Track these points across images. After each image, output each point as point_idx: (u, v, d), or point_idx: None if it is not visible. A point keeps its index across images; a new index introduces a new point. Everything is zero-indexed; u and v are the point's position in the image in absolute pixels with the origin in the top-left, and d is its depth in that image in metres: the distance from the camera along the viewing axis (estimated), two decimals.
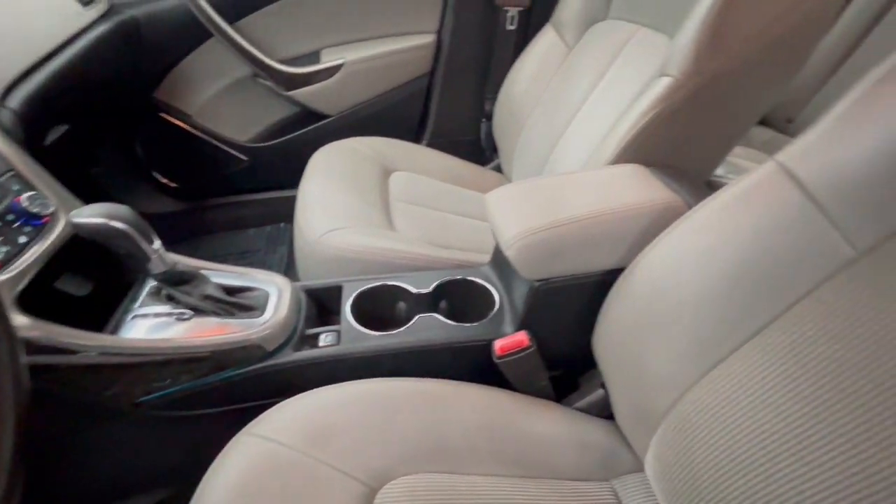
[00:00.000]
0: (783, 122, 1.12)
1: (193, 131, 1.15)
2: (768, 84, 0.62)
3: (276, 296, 0.60)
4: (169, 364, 0.52)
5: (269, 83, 1.12)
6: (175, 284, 0.55)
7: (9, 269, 0.46)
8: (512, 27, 1.06)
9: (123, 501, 0.64)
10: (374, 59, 1.13)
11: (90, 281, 0.57)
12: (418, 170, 1.02)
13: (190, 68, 1.09)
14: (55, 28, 0.78)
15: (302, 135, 1.19)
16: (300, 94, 1.13)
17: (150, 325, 0.54)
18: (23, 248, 0.47)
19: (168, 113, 1.12)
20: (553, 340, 0.57)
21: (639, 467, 0.51)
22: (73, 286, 0.55)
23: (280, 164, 1.21)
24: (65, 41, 0.77)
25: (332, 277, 0.70)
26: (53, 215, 0.51)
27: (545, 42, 0.95)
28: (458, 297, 0.66)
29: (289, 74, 1.10)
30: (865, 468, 0.30)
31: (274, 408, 0.50)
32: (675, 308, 0.45)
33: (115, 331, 0.53)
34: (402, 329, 0.59)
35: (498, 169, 1.15)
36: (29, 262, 0.47)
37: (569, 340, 0.57)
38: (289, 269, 1.17)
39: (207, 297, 0.56)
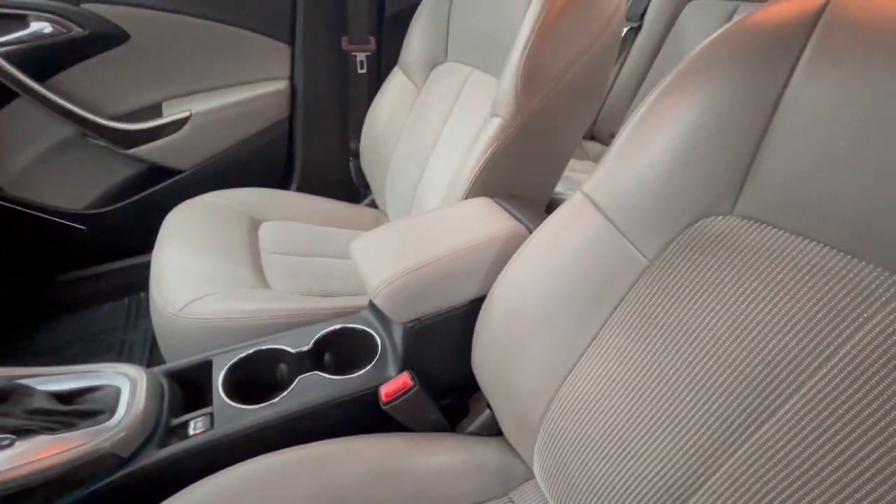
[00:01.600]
0: (608, 137, 1.31)
1: (8, 205, 0.98)
2: (579, 112, 0.73)
3: (129, 389, 0.53)
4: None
5: (101, 142, 1.00)
6: None
7: None
8: (362, 71, 1.09)
9: None
10: (224, 108, 1.08)
11: None
12: (290, 217, 0.99)
13: None
14: None
15: (152, 194, 1.08)
16: (143, 151, 1.04)
17: None
18: None
19: None
20: (436, 373, 0.59)
21: (530, 475, 0.55)
22: None
23: (129, 229, 1.08)
24: None
25: (200, 353, 0.64)
26: None
27: (396, 83, 1.00)
28: (342, 348, 0.66)
29: (125, 131, 1.00)
30: (681, 437, 0.36)
31: None
32: (529, 326, 0.50)
33: None
34: (282, 395, 0.57)
35: (373, 204, 1.16)
36: None
37: (451, 370, 0.60)
38: (157, 343, 1.04)
39: (35, 412, 0.48)
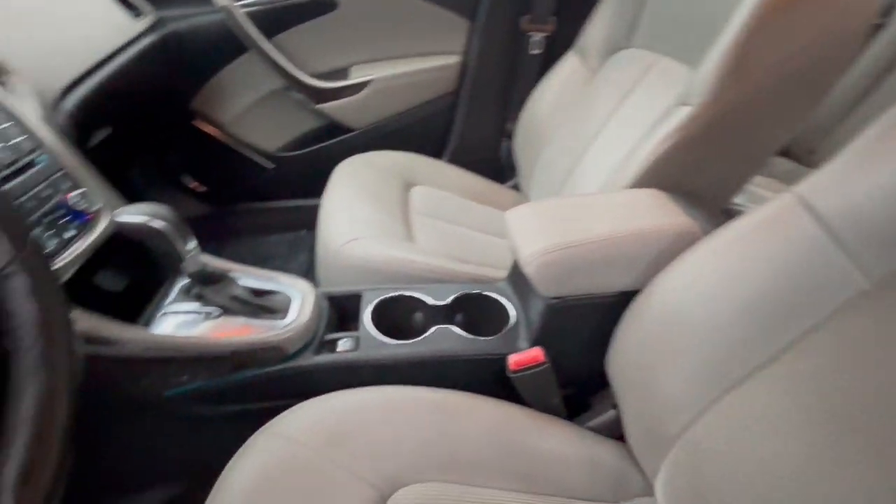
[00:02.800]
0: (805, 154, 1.12)
1: (225, 139, 1.20)
2: (786, 116, 0.63)
3: (299, 300, 0.62)
4: (195, 361, 0.55)
5: (299, 96, 1.17)
6: (205, 284, 0.58)
7: (56, 262, 0.49)
8: (536, 51, 1.09)
9: (138, 493, 0.65)
10: (400, 76, 1.17)
11: (125, 276, 0.60)
12: (439, 185, 1.04)
13: (226, 80, 1.14)
14: (108, 37, 0.83)
15: (327, 146, 1.23)
16: (328, 107, 1.18)
17: (179, 322, 0.57)
18: (68, 243, 0.50)
19: (202, 121, 1.18)
20: (567, 358, 0.58)
21: (649, 491, 0.51)
22: (110, 281, 0.58)
23: (305, 174, 1.25)
24: (115, 50, 0.83)
25: (352, 285, 0.72)
26: (98, 213, 0.55)
27: (568, 67, 0.98)
28: (475, 311, 0.68)
29: (319, 89, 1.15)
30: (870, 499, 0.30)
31: (292, 409, 0.52)
32: (689, 332, 0.46)
33: (146, 326, 0.56)
34: (419, 339, 0.61)
35: (516, 187, 1.17)
36: (73, 255, 0.50)
37: (582, 359, 0.58)
38: (308, 276, 1.19)
39: (235, 298, 0.58)
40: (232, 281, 0.59)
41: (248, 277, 0.63)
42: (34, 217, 0.49)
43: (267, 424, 0.51)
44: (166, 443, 0.63)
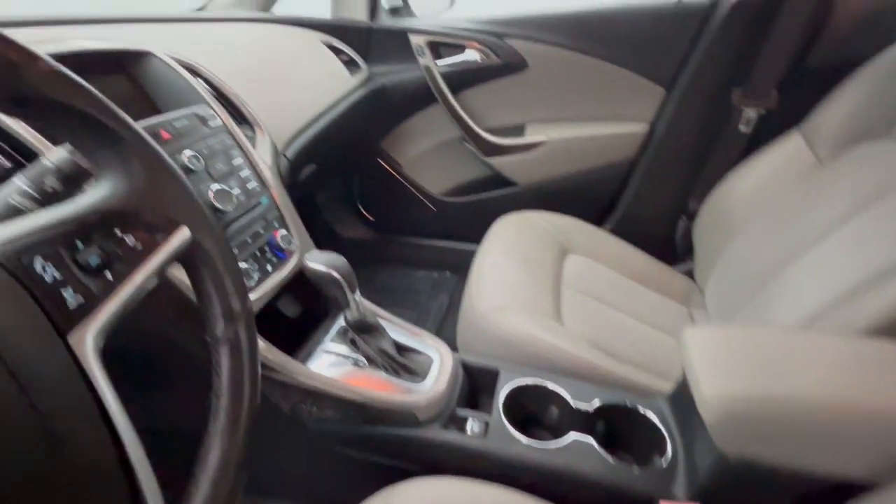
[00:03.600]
0: None
1: (399, 177, 1.32)
2: None
3: (438, 365, 0.62)
4: (335, 402, 0.58)
5: (471, 147, 1.22)
6: (360, 332, 0.61)
7: (255, 291, 0.56)
8: (745, 129, 0.95)
9: (260, 497, 0.71)
10: (576, 139, 1.13)
11: (300, 306, 0.67)
12: (597, 257, 0.97)
13: (412, 126, 1.26)
14: (331, 91, 0.98)
15: (488, 197, 1.25)
16: (497, 160, 1.20)
17: (331, 362, 0.61)
18: (267, 276, 0.58)
19: (384, 159, 1.31)
20: None
21: None
22: (289, 308, 0.66)
23: (461, 219, 1.29)
24: (334, 102, 0.97)
25: (491, 354, 0.69)
26: (293, 252, 0.62)
27: (788, 150, 0.82)
28: (622, 426, 0.59)
29: (492, 143, 1.18)
30: None
31: (410, 482, 0.50)
32: None
33: (307, 358, 0.61)
34: (552, 444, 0.55)
35: (689, 274, 1.02)
36: (268, 287, 0.58)
37: None
38: (445, 319, 1.22)
39: (382, 352, 0.60)
40: (383, 334, 0.62)
41: (398, 330, 0.65)
42: (248, 251, 0.57)
43: (382, 493, 0.50)
44: (298, 462, 0.68)
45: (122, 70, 0.62)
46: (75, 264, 0.25)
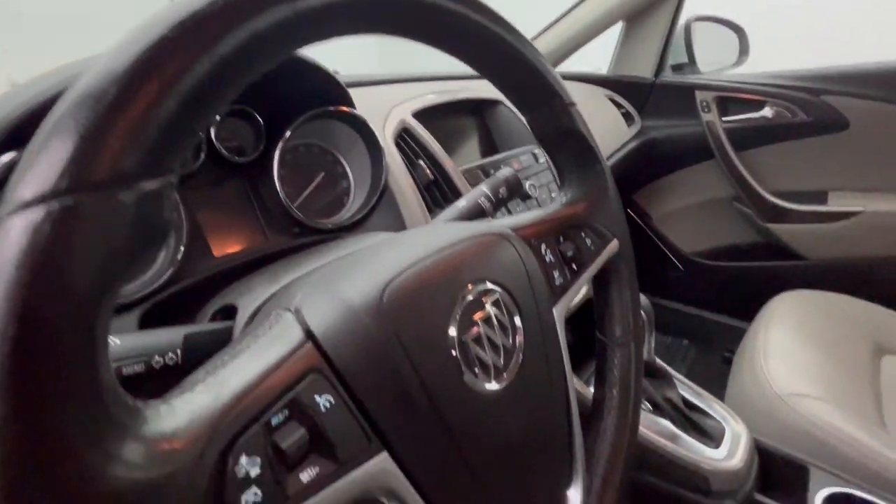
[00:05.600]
0: None
1: (646, 229, 1.27)
2: None
3: (731, 437, 0.56)
4: None
5: (746, 210, 1.10)
6: (648, 376, 0.60)
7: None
8: None
9: None
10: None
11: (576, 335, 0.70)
12: None
13: (676, 181, 1.21)
14: (610, 141, 1.03)
15: (756, 267, 1.11)
16: (781, 228, 1.06)
17: None
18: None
19: (633, 210, 1.29)
20: None
21: None
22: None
23: (714, 286, 1.17)
24: (612, 152, 1.01)
25: (786, 447, 0.59)
26: None
27: None
28: None
29: (777, 207, 1.05)
30: None
31: None
32: None
33: None
34: None
35: None
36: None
37: None
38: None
39: (669, 401, 0.58)
40: (671, 382, 0.59)
41: (684, 388, 0.62)
42: None
43: None
44: None
45: (475, 114, 0.77)
46: (561, 255, 0.32)
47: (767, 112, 1.03)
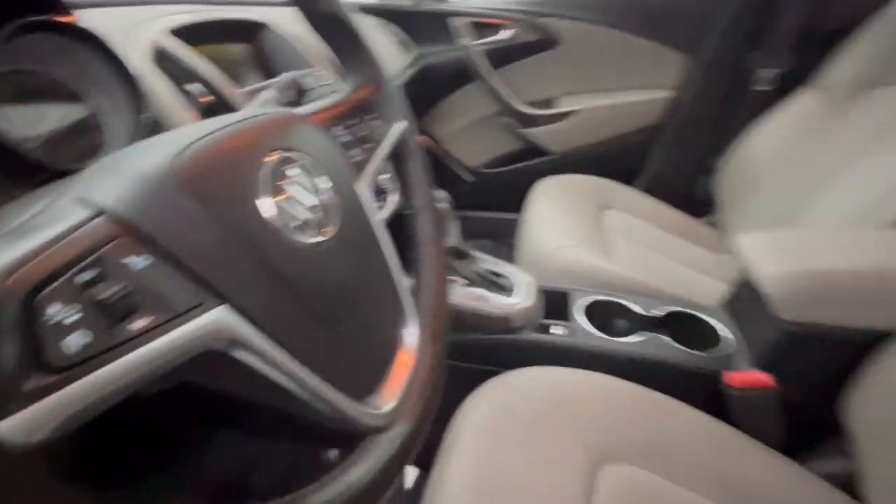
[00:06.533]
0: None
1: (437, 152, 1.42)
2: None
3: (524, 287, 0.73)
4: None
5: (508, 120, 1.32)
6: (457, 258, 0.72)
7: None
8: (763, 87, 1.07)
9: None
10: (607, 108, 1.25)
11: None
12: (632, 212, 1.08)
13: (451, 104, 1.36)
14: (392, 70, 1.08)
15: (524, 167, 1.36)
16: (533, 132, 1.31)
17: None
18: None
19: (423, 135, 1.41)
20: (794, 391, 0.57)
21: None
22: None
23: (499, 190, 1.40)
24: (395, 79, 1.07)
25: (558, 283, 0.80)
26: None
27: (801, 104, 0.94)
28: (682, 330, 0.70)
29: (529, 115, 1.29)
30: None
31: (519, 370, 0.61)
32: None
33: None
34: (632, 339, 0.66)
35: (712, 224, 1.14)
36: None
37: (813, 395, 0.56)
38: None
39: (478, 273, 0.71)
40: (477, 259, 0.73)
41: (487, 261, 0.76)
42: None
43: (498, 377, 0.60)
44: None
45: (241, 38, 0.72)
46: (354, 136, 0.36)
47: (507, 34, 1.23)
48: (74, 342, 0.17)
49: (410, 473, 0.86)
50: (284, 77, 0.44)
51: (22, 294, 0.16)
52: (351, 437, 0.29)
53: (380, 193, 0.41)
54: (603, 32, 1.19)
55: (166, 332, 0.19)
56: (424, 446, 0.54)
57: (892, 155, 0.71)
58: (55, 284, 0.17)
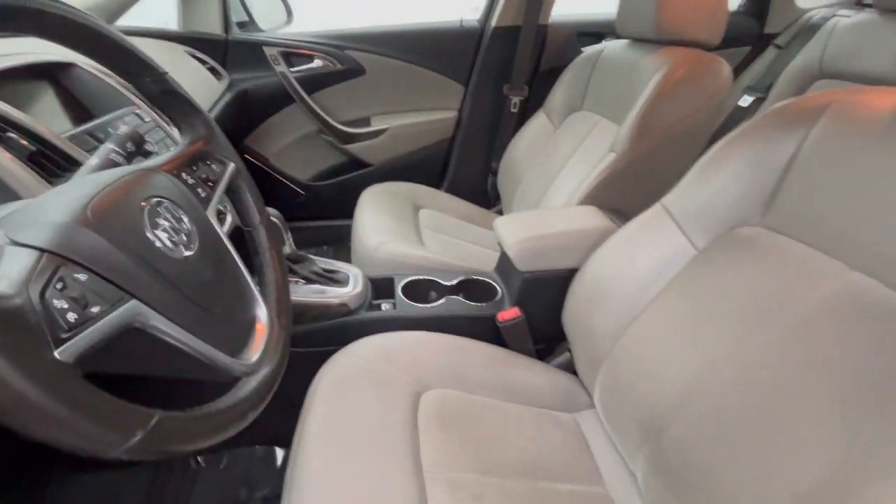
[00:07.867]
0: None
1: (267, 169, 1.50)
2: (678, 159, 0.98)
3: (354, 278, 0.91)
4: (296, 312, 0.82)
5: (329, 138, 1.49)
6: (294, 262, 0.86)
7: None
8: (514, 110, 1.46)
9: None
10: (410, 125, 1.51)
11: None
12: (440, 209, 1.36)
13: (274, 125, 1.46)
14: (206, 97, 1.14)
15: (349, 178, 1.55)
16: (352, 147, 1.50)
17: None
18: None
19: (250, 154, 1.48)
20: (537, 318, 0.88)
21: (591, 405, 0.79)
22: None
23: (329, 200, 1.55)
24: (210, 106, 1.14)
25: (382, 272, 1.01)
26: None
27: (537, 123, 1.33)
28: (473, 290, 0.97)
29: (346, 132, 1.47)
30: (709, 366, 0.59)
31: (356, 342, 0.79)
32: (607, 289, 0.76)
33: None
34: (437, 304, 0.90)
35: (499, 212, 1.50)
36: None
37: (547, 319, 0.88)
38: None
39: (314, 272, 0.87)
40: (312, 261, 0.88)
41: (320, 261, 0.91)
42: None
43: (342, 349, 0.78)
44: None
45: (48, 78, 0.73)
46: (197, 178, 0.49)
47: (318, 63, 1.39)
48: (71, 316, 0.29)
49: (279, 453, 0.98)
50: (122, 131, 0.52)
51: (38, 295, 0.28)
52: (230, 386, 0.43)
53: (219, 215, 0.53)
54: (400, 65, 1.44)
55: (108, 314, 0.32)
56: (287, 426, 0.67)
57: (581, 161, 1.10)
58: (49, 289, 0.29)
